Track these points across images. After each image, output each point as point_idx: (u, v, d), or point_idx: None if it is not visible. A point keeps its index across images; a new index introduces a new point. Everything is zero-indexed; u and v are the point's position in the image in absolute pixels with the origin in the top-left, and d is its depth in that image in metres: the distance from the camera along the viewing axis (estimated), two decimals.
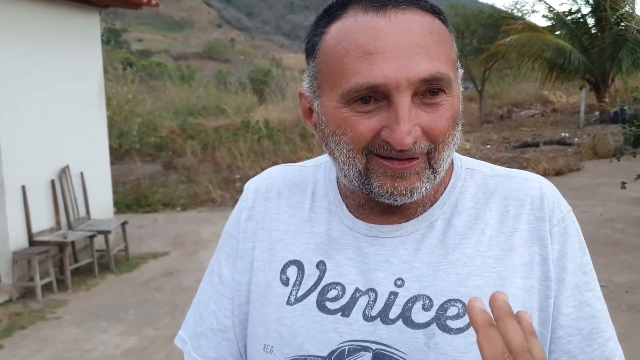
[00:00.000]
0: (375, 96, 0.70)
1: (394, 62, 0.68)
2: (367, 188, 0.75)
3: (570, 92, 19.17)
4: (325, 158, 0.90)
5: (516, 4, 21.18)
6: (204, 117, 16.99)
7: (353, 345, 0.76)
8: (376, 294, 0.77)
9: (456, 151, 0.81)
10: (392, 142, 0.70)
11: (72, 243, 5.91)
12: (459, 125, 0.76)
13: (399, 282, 0.77)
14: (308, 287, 0.81)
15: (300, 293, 0.81)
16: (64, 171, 6.11)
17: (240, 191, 0.95)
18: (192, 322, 0.92)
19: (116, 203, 8.13)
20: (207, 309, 0.90)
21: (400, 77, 0.68)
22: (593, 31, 15.98)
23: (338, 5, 0.75)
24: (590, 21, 16.22)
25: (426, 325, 0.74)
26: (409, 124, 0.69)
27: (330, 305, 0.79)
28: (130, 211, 9.12)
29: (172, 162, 12.81)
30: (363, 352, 0.75)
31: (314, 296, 0.80)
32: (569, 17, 16.53)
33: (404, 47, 0.69)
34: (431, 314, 0.75)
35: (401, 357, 0.74)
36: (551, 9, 16.99)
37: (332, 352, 0.76)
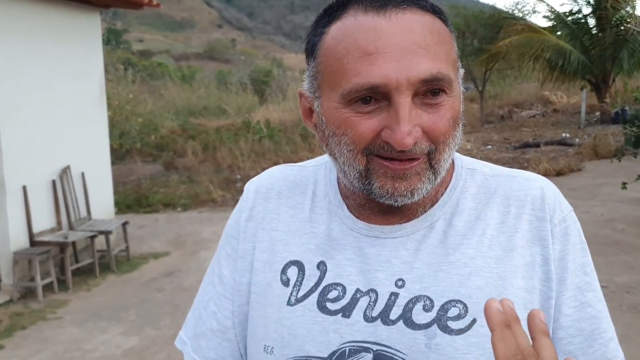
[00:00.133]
0: (375, 96, 0.70)
1: (394, 62, 0.68)
2: (368, 189, 0.75)
3: (571, 93, 19.14)
4: (325, 158, 0.90)
5: (517, 4, 21.09)
6: (205, 117, 16.97)
7: (354, 346, 0.76)
8: (377, 295, 0.77)
9: (457, 151, 0.80)
10: (392, 143, 0.69)
11: (73, 243, 5.92)
12: (460, 126, 0.76)
13: (399, 283, 0.77)
14: (309, 287, 0.80)
15: (300, 294, 0.80)
16: (65, 171, 6.11)
17: (241, 191, 0.95)
18: (192, 323, 0.92)
19: (117, 203, 8.13)
20: (207, 310, 0.90)
21: (401, 78, 0.68)
22: (594, 31, 15.96)
23: (338, 5, 0.74)
24: (591, 22, 16.22)
25: (427, 326, 0.74)
26: (409, 124, 0.68)
27: (331, 306, 0.78)
28: (131, 211, 9.12)
29: (173, 162, 12.81)
30: (364, 353, 0.75)
31: (314, 297, 0.79)
32: (569, 18, 16.53)
33: (404, 47, 0.68)
34: (432, 314, 0.75)
35: (402, 358, 0.74)
36: (552, 9, 16.98)
37: (333, 353, 0.76)
